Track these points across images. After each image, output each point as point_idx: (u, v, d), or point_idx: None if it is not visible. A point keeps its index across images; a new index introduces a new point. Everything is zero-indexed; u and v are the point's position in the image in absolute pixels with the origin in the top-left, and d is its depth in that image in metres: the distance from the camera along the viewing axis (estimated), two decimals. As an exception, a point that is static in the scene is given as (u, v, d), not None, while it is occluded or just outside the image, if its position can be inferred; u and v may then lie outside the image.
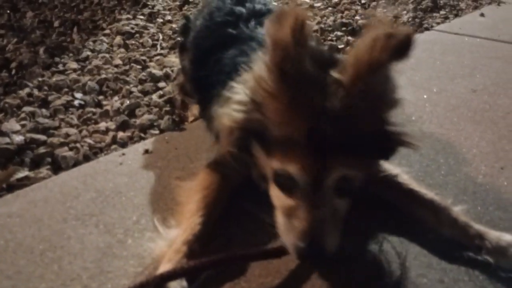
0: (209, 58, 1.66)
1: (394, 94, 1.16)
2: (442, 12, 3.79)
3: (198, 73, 1.80)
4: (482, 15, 3.66)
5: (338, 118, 1.09)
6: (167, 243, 1.27)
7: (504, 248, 1.26)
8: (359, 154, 1.13)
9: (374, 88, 1.11)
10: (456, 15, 3.76)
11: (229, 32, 1.70)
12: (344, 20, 3.48)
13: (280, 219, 1.20)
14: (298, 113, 1.11)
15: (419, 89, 2.36)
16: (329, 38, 3.22)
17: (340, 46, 3.09)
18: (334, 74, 1.10)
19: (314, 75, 1.11)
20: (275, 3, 2.01)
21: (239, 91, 1.24)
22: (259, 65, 1.18)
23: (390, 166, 1.47)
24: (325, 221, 1.12)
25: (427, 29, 3.37)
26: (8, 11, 3.60)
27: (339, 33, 3.29)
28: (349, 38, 3.22)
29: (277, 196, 1.22)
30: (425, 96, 2.28)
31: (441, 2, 3.99)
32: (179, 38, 2.84)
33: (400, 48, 1.04)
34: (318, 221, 1.11)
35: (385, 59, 1.06)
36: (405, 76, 2.51)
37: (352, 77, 1.08)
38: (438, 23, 3.52)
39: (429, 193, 1.40)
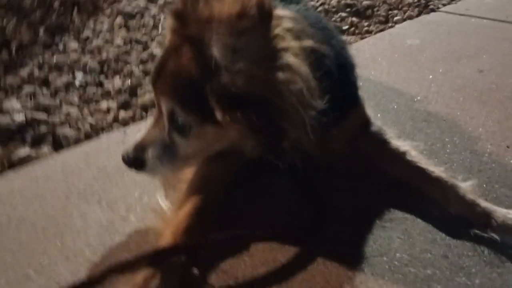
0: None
1: (232, 62, 1.08)
2: (448, -7, 3.73)
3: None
4: (489, -4, 3.60)
5: (168, 58, 1.20)
6: (168, 219, 1.26)
7: (510, 226, 1.24)
8: (184, 97, 1.17)
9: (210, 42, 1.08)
10: (463, -4, 3.70)
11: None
12: (348, 1, 3.43)
13: None
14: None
15: (425, 69, 2.32)
16: (333, 19, 3.18)
17: (344, 28, 3.05)
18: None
19: None
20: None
21: None
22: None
23: (399, 143, 1.46)
24: (155, 141, 1.25)
25: (433, 10, 3.31)
26: (8, -8, 3.56)
27: (343, 14, 3.24)
28: (354, 19, 3.18)
29: None
30: (430, 77, 2.25)
31: (448, -17, 3.92)
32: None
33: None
34: (149, 137, 1.26)
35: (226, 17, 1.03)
36: (410, 57, 2.48)
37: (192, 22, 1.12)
38: (444, 4, 3.45)
39: (436, 171, 1.38)
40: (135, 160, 1.26)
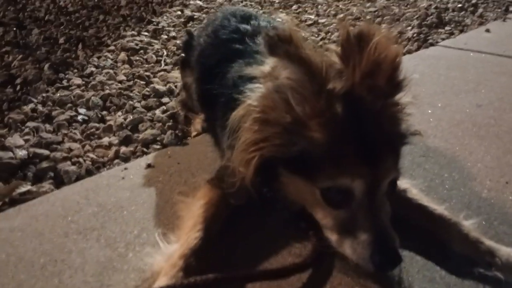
0: (215, 73, 1.66)
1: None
2: (447, 28, 3.77)
3: (204, 90, 1.77)
4: (487, 30, 3.63)
5: (378, 120, 1.16)
6: (166, 257, 1.26)
7: None
8: (397, 155, 1.19)
9: (397, 86, 1.22)
10: (462, 31, 3.73)
11: (235, 47, 1.70)
12: (348, 36, 3.48)
13: (337, 237, 1.18)
14: (342, 125, 1.13)
15: (424, 104, 2.34)
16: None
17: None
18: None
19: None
20: (279, 20, 2.02)
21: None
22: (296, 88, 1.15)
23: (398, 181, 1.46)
24: (388, 227, 1.14)
25: (432, 44, 3.36)
26: (15, 28, 3.64)
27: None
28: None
29: (327, 214, 1.20)
30: (429, 111, 2.27)
31: (446, 18, 3.97)
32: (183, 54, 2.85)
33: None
34: (383, 227, 1.13)
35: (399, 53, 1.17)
36: (409, 91, 2.49)
37: (384, 77, 1.17)
38: (443, 39, 3.50)
39: (439, 208, 1.38)
40: (395, 259, 1.14)
